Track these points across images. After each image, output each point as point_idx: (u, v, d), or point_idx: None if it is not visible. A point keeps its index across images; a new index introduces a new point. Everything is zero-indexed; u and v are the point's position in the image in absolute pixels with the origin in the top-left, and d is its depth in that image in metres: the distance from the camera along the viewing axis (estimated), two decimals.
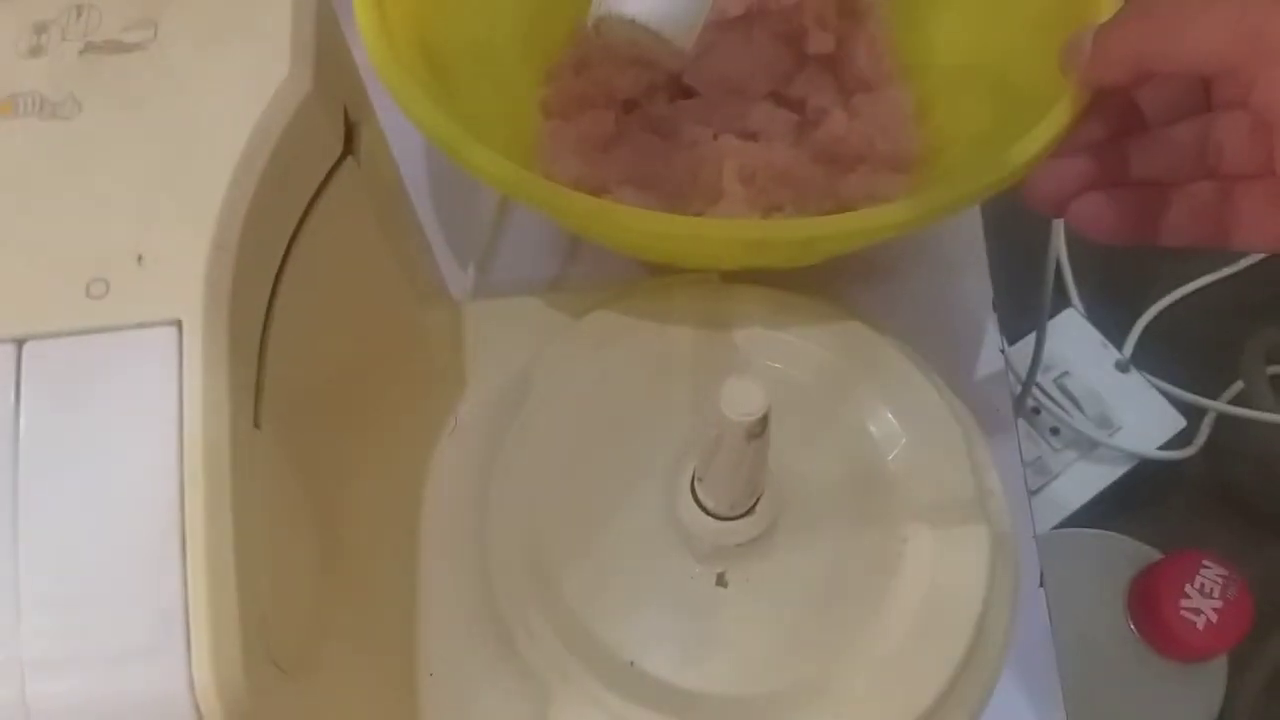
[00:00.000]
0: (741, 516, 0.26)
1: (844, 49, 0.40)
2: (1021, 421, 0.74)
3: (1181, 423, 0.75)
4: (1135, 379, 0.75)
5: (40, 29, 0.21)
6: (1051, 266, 0.55)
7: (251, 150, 0.20)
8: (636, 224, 0.28)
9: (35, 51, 0.21)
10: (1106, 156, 0.30)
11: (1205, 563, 0.61)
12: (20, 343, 0.18)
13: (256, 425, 0.18)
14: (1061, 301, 0.78)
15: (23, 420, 0.17)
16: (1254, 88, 0.25)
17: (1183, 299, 0.81)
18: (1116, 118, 0.31)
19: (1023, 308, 0.65)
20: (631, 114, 0.39)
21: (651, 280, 0.34)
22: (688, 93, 0.40)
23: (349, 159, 0.23)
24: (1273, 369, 0.73)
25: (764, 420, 0.21)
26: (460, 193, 0.41)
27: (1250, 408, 0.72)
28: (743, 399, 0.20)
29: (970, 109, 0.38)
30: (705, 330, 0.31)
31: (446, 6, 0.35)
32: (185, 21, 0.21)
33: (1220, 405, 0.75)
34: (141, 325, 0.18)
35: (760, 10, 0.39)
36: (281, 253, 0.21)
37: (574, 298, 0.34)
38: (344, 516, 0.26)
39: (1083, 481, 0.72)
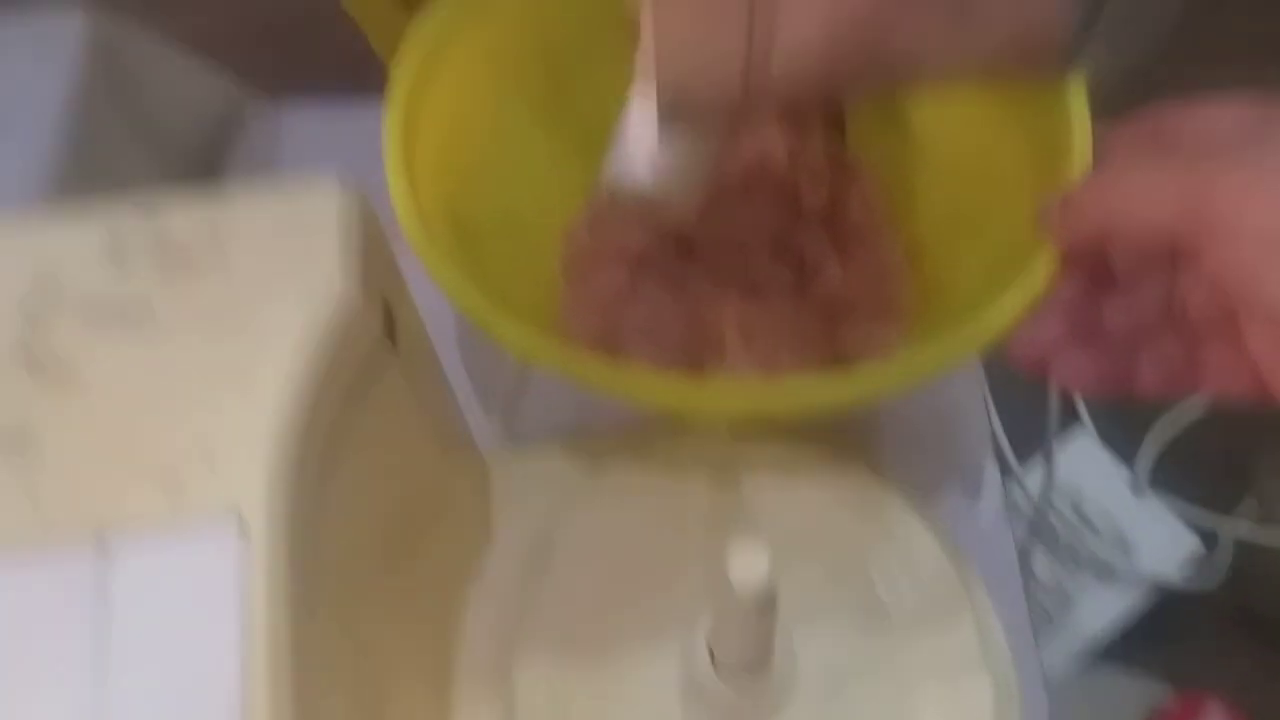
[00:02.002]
0: (754, 673, 0.27)
1: (837, 202, 0.43)
2: (1035, 546, 0.74)
3: (1197, 545, 0.74)
4: (1149, 500, 0.75)
5: (119, 241, 0.24)
6: (1057, 386, 0.56)
7: (307, 356, 0.22)
8: (646, 390, 0.30)
9: (115, 262, 0.24)
10: (1081, 312, 0.32)
11: (1210, 705, 0.60)
12: (99, 537, 0.20)
13: (313, 611, 0.20)
14: (1071, 421, 0.80)
15: (100, 613, 0.19)
16: (1202, 259, 0.26)
17: (1195, 417, 0.82)
18: (1089, 275, 0.32)
19: (1033, 428, 0.66)
20: (643, 268, 0.42)
21: (665, 432, 0.36)
22: (694, 247, 0.42)
23: (388, 347, 0.26)
24: None
25: (770, 595, 0.22)
26: (486, 344, 0.43)
27: (1267, 525, 0.72)
28: (749, 568, 0.22)
29: (957, 258, 0.40)
30: (716, 483, 0.33)
31: (475, 181, 0.39)
32: (248, 235, 0.24)
33: (1237, 526, 0.75)
34: (208, 519, 0.20)
35: (758, 171, 0.42)
36: (332, 441, 0.23)
37: (594, 443, 0.37)
38: (380, 671, 0.28)
39: (1097, 608, 0.71)
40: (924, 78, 0.31)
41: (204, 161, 0.49)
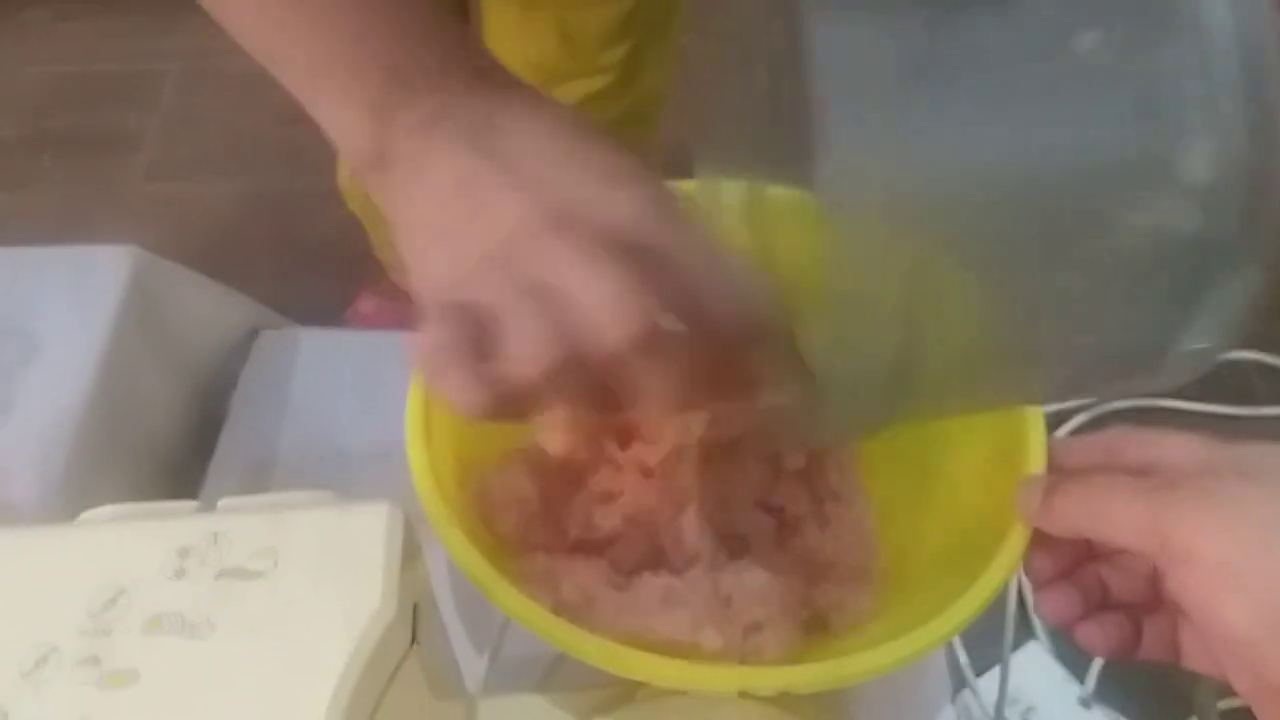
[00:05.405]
0: None
1: (815, 464, 0.47)
2: None
3: None
4: (1098, 715, 0.78)
5: (184, 554, 0.27)
6: (1013, 599, 0.59)
7: (349, 666, 0.25)
8: (633, 668, 0.33)
9: (179, 574, 0.26)
10: (1087, 585, 0.35)
11: None
12: None
13: None
14: (1026, 634, 0.83)
15: None
16: (1166, 579, 0.30)
17: None
18: (1072, 548, 0.35)
19: (989, 639, 0.69)
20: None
21: (647, 693, 0.39)
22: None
23: (414, 646, 0.28)
24: (1223, 704, 0.77)
25: None
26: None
27: None
28: None
29: (921, 526, 0.44)
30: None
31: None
32: (300, 552, 0.27)
33: None
34: None
35: (744, 436, 0.46)
36: None
37: (578, 697, 0.39)
38: None
39: None
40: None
41: (220, 379, 0.52)
